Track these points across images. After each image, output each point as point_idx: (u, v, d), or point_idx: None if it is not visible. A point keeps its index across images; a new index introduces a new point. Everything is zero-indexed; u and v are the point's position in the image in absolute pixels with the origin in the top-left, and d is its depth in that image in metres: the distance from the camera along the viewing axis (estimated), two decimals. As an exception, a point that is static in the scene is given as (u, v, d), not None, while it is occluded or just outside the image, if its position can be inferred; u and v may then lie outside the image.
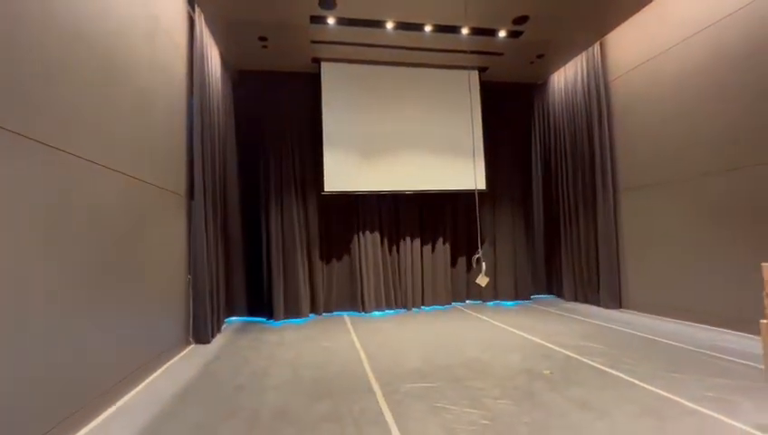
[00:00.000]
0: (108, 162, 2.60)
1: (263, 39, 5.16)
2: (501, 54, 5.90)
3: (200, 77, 4.31)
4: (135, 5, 3.09)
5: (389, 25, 5.01)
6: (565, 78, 6.44)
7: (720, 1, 4.03)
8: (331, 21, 4.84)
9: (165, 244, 3.59)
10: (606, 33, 5.49)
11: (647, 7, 4.85)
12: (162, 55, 3.60)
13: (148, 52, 3.29)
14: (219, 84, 5.18)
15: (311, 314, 5.87)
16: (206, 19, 4.56)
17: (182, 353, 3.87)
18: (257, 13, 4.59)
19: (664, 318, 4.67)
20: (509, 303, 6.46)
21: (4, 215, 1.75)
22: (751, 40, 3.75)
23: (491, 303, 6.48)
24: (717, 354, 3.28)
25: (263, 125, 5.98)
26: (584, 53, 5.94)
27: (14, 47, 1.85)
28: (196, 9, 4.37)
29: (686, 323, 4.38)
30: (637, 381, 2.74)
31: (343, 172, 5.91)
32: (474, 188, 5.51)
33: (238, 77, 5.97)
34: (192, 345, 4.08)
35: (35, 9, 2.00)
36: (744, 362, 3.08)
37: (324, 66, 5.93)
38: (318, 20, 4.82)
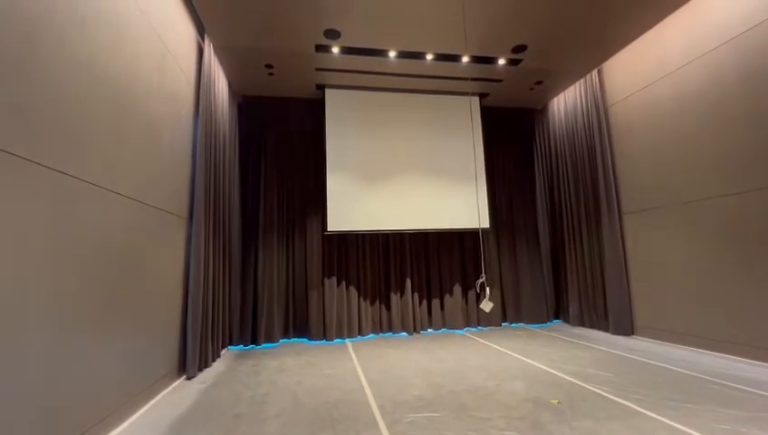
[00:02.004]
0: (113, 186, 2.64)
1: (269, 66, 5.32)
2: (500, 81, 6.04)
3: (207, 103, 4.41)
4: (146, 35, 3.21)
5: (392, 54, 5.16)
6: (565, 103, 6.56)
7: (716, 29, 4.14)
8: (335, 50, 4.99)
9: (167, 267, 3.59)
10: (603, 61, 5.62)
11: (643, 35, 4.99)
12: (171, 84, 3.71)
13: (157, 80, 3.39)
14: (225, 110, 5.31)
15: (311, 340, 5.78)
16: (214, 48, 4.72)
17: (181, 379, 3.80)
18: (265, 42, 4.75)
19: (673, 345, 4.56)
20: (515, 328, 6.34)
21: (9, 236, 1.77)
22: (746, 66, 3.83)
23: (496, 328, 6.37)
24: (730, 383, 3.18)
25: (266, 150, 6.08)
26: (583, 80, 6.07)
27: (28, 78, 1.91)
28: (206, 39, 4.53)
29: (696, 349, 4.28)
30: (647, 412, 2.66)
31: (346, 209, 5.88)
32: (477, 217, 5.54)
33: (244, 102, 6.11)
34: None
35: (50, 42, 2.08)
36: (757, 391, 2.98)
37: (328, 92, 6.07)
38: (323, 48, 4.97)
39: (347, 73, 5.66)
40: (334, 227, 5.83)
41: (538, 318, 6.58)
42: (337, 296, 6.04)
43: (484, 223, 6.25)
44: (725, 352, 4.00)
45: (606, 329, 5.52)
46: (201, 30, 4.51)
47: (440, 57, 5.29)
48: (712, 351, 4.13)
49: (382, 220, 5.99)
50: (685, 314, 4.48)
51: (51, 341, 2.02)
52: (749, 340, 3.78)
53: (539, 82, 6.15)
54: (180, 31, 3.99)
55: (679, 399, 2.87)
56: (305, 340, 5.80)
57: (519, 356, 4.39)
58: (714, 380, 3.29)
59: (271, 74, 5.51)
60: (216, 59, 4.90)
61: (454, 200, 6.25)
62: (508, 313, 6.55)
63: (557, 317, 6.72)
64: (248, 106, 6.12)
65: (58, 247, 2.09)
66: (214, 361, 4.47)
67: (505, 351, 4.70)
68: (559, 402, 2.90)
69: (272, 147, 6.10)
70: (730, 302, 3.98)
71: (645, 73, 5.03)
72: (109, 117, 2.62)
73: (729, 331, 3.98)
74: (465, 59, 5.32)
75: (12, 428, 1.75)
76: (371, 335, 6.00)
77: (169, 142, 3.66)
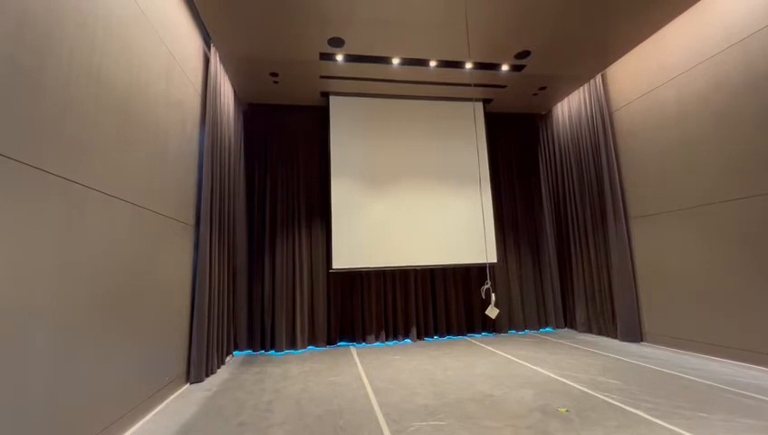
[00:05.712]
0: (120, 194, 2.66)
1: (274, 75, 5.37)
2: (504, 87, 6.05)
3: (213, 111, 4.46)
4: (154, 46, 3.26)
5: (395, 61, 5.19)
6: (569, 108, 6.54)
7: (721, 32, 4.12)
8: (339, 57, 5.04)
9: (173, 274, 3.60)
10: (607, 66, 5.61)
11: (647, 39, 4.98)
12: (177, 92, 3.75)
13: (163, 89, 3.43)
14: (231, 117, 5.36)
15: (316, 347, 5.75)
16: (220, 57, 4.78)
17: (185, 387, 3.79)
18: (270, 50, 4.80)
19: (684, 352, 4.48)
20: (521, 334, 6.27)
21: (18, 242, 1.78)
22: (752, 69, 3.80)
23: (502, 335, 6.30)
24: (743, 392, 3.11)
25: (271, 157, 6.12)
26: (587, 84, 6.06)
27: (38, 87, 1.94)
28: (212, 48, 4.59)
29: (708, 357, 4.19)
30: (659, 421, 2.60)
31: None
32: (482, 225, 5.47)
33: (249, 110, 6.17)
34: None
35: (61, 53, 2.11)
36: (772, 400, 2.91)
37: (332, 100, 6.11)
38: (327, 57, 5.02)
39: (351, 81, 5.70)
40: (339, 265, 5.75)
41: (545, 325, 6.50)
42: (341, 302, 6.02)
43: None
44: (738, 360, 3.91)
45: (614, 335, 5.44)
46: (208, 39, 4.57)
47: (444, 64, 5.32)
48: (724, 358, 4.05)
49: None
50: (695, 321, 4.40)
51: (56, 349, 2.02)
52: (762, 347, 3.70)
53: (543, 88, 6.15)
54: (187, 40, 4.05)
55: (692, 407, 2.81)
56: (310, 347, 5.77)
57: (526, 364, 4.33)
58: (726, 388, 3.22)
59: (276, 82, 5.57)
60: (222, 68, 4.96)
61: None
62: (515, 319, 6.48)
63: (565, 324, 6.63)
64: (253, 113, 6.18)
65: (65, 254, 2.11)
66: (219, 368, 4.46)
67: (512, 358, 4.64)
68: (567, 411, 2.85)
69: (277, 154, 6.14)
70: (741, 308, 3.90)
71: (649, 77, 5.01)
72: (116, 125, 2.65)
73: (740, 337, 3.90)
74: (468, 65, 5.34)
75: (16, 435, 1.75)
76: (378, 344, 5.95)
77: (176, 150, 3.69)
